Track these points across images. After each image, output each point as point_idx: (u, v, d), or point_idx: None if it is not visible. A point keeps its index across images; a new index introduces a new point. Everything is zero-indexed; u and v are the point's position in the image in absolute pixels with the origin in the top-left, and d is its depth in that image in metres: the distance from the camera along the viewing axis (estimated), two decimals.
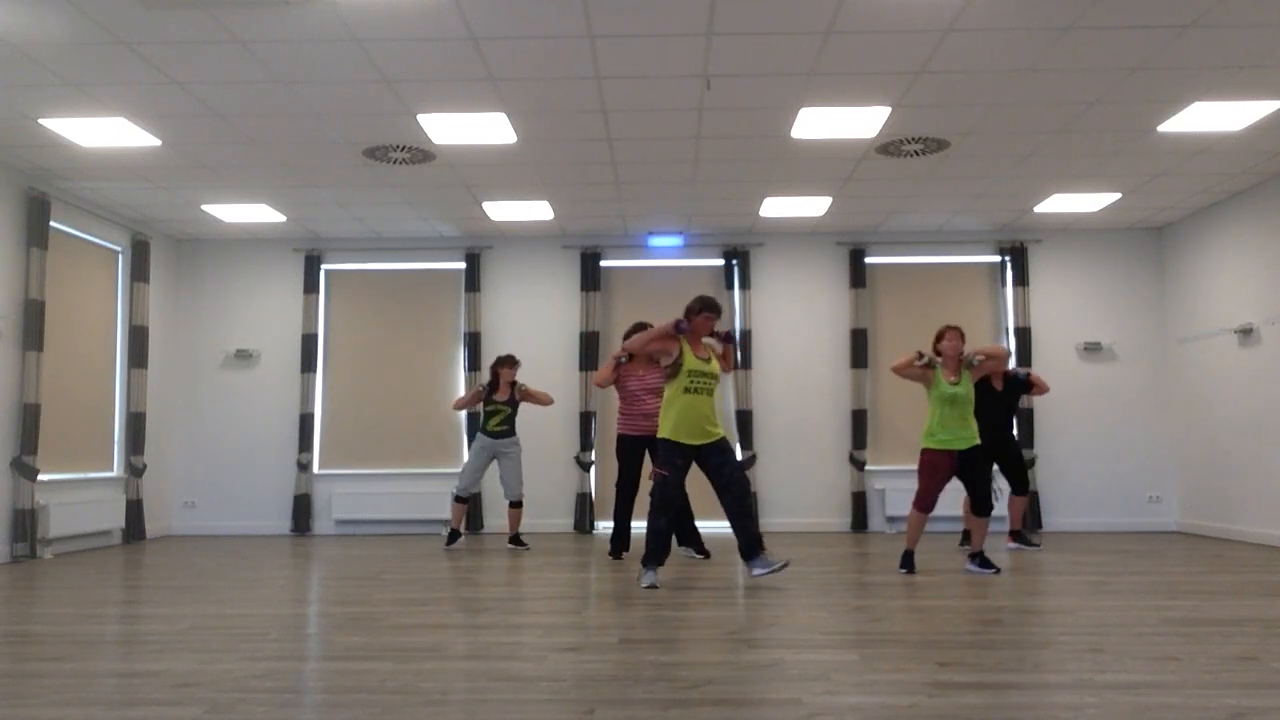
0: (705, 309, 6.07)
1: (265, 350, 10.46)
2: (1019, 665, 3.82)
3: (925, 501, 6.56)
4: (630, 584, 6.19)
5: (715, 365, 6.08)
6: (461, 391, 10.27)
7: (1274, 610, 5.08)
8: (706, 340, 6.25)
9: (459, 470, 10.20)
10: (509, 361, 8.51)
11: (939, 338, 6.67)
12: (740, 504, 5.95)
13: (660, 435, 6.00)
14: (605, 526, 10.17)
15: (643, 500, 6.96)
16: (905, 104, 6.58)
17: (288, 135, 7.14)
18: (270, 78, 6.07)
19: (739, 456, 9.85)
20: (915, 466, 9.95)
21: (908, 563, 6.66)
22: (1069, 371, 10.13)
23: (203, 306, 10.53)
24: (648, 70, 5.99)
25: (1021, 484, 7.91)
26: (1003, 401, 7.81)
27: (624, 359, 7.34)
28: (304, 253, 10.45)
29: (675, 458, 5.93)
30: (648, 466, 7.31)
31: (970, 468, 6.53)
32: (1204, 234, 9.49)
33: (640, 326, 7.37)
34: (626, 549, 7.63)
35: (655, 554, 5.99)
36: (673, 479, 5.94)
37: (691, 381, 5.94)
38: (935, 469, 6.52)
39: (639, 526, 7.45)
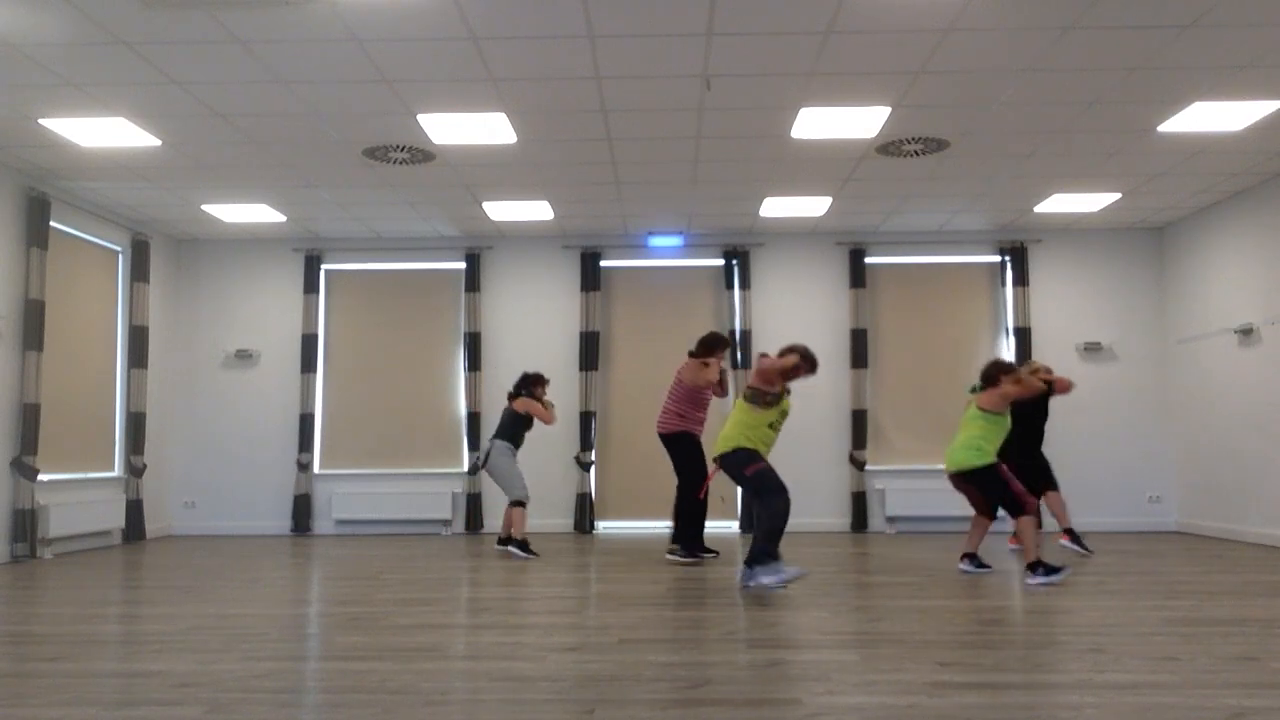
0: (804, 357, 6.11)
1: (265, 350, 10.46)
2: (1019, 665, 3.83)
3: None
4: (629, 584, 6.19)
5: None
6: (462, 394, 10.29)
7: (1274, 610, 5.08)
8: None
9: (460, 471, 10.26)
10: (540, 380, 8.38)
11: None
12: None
13: (745, 447, 6.00)
14: (607, 526, 10.16)
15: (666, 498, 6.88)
16: (905, 104, 6.58)
17: (288, 135, 7.14)
18: (270, 78, 6.07)
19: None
20: (914, 467, 10.12)
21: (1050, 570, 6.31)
22: (1069, 372, 10.10)
23: (202, 306, 10.53)
24: (648, 70, 5.99)
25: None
26: (1024, 409, 7.70)
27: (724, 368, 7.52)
28: (304, 253, 10.44)
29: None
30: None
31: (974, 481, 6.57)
32: (1204, 234, 9.49)
33: (718, 337, 7.45)
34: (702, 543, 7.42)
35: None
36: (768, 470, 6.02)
37: (780, 420, 6.11)
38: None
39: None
